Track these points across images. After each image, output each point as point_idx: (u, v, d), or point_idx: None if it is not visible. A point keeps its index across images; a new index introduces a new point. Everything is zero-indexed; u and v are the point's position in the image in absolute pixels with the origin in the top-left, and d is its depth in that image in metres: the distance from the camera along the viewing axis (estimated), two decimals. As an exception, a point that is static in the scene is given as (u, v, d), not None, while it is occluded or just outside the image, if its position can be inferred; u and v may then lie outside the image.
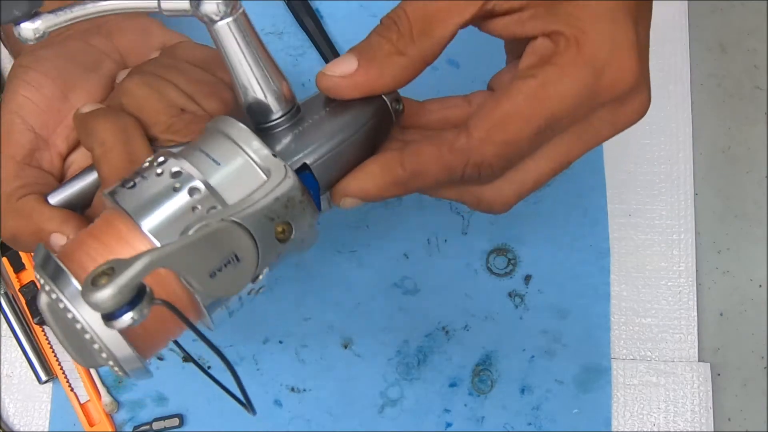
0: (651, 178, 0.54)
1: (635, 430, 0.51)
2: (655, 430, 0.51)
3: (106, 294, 0.25)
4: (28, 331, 0.53)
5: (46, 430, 0.52)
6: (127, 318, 0.26)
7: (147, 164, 0.32)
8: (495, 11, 0.33)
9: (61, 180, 0.41)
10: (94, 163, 0.38)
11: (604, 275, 0.53)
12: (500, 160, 0.33)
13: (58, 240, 0.38)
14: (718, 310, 0.53)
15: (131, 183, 0.31)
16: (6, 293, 0.53)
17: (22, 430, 0.52)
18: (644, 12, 0.34)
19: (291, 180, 0.31)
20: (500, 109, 0.32)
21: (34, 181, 0.40)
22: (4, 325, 0.53)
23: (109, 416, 0.52)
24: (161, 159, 0.32)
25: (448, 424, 0.52)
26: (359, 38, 0.55)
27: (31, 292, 0.52)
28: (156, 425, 0.51)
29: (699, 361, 0.52)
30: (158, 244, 0.30)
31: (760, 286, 0.53)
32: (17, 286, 0.52)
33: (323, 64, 0.55)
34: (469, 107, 0.37)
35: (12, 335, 0.52)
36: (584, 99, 0.32)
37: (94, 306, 0.25)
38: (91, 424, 0.52)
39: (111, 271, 0.25)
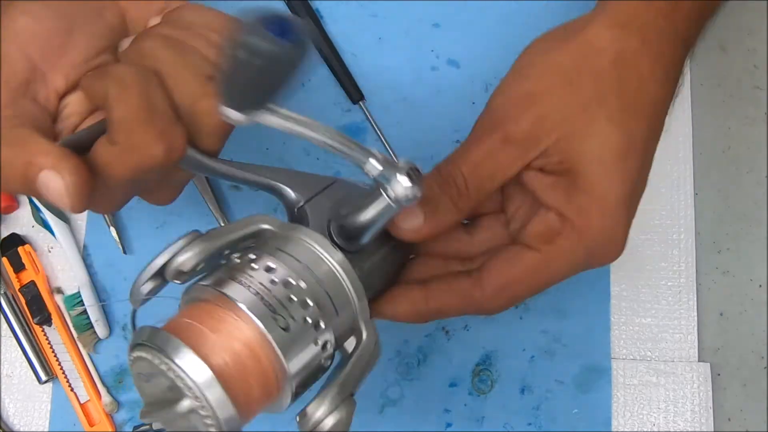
0: (651, 179, 0.53)
1: (635, 430, 0.51)
2: (655, 430, 0.51)
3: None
4: (28, 331, 0.53)
5: (46, 430, 0.52)
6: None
7: (286, 300, 0.33)
8: (530, 166, 0.39)
9: (54, 122, 0.38)
10: (103, 109, 0.36)
11: (604, 275, 0.53)
12: (505, 308, 0.40)
13: (49, 180, 0.34)
14: (718, 310, 0.53)
15: (285, 324, 0.33)
16: (6, 293, 0.53)
17: (22, 430, 0.52)
18: (637, 199, 0.40)
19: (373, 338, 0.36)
20: (508, 274, 0.39)
21: (29, 114, 0.37)
22: (4, 325, 0.53)
23: (109, 416, 0.52)
24: (302, 300, 0.34)
25: (448, 424, 0.52)
26: (359, 38, 0.55)
27: (31, 292, 0.52)
28: (156, 425, 0.51)
29: (699, 361, 0.52)
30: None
31: (760, 286, 0.53)
32: (17, 286, 0.52)
33: (323, 63, 0.55)
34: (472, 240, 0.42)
35: (12, 335, 0.52)
36: (576, 270, 0.40)
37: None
38: (91, 424, 0.52)
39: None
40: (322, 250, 0.35)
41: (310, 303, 0.34)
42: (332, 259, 0.35)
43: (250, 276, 0.33)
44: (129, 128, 0.35)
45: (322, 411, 0.34)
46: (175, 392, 0.31)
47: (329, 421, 0.34)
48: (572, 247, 0.38)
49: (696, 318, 0.52)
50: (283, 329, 0.32)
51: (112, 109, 0.35)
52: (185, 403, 0.31)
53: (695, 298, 0.52)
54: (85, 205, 0.35)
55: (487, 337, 0.52)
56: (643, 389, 0.52)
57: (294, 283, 0.34)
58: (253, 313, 0.32)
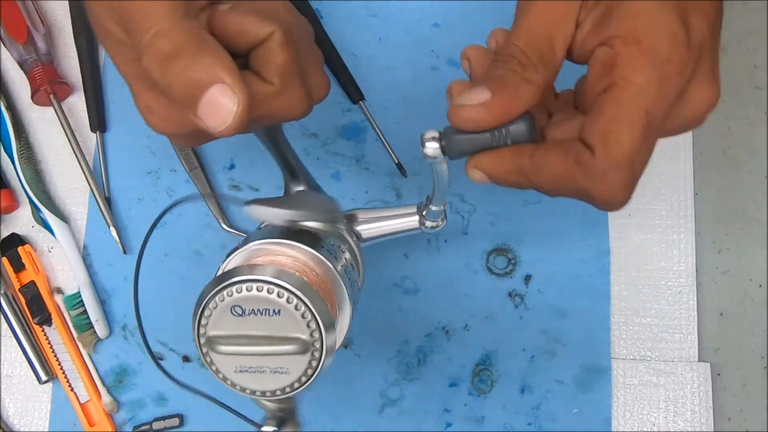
0: (651, 178, 0.54)
1: (635, 430, 0.51)
2: (655, 430, 0.51)
3: None
4: (28, 331, 0.53)
5: (46, 430, 0.52)
6: None
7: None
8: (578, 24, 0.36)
9: None
10: (253, 44, 0.36)
11: (604, 275, 0.53)
12: (626, 182, 0.35)
13: (221, 96, 0.32)
14: (718, 310, 0.53)
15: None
16: (6, 293, 0.53)
17: (22, 430, 0.52)
18: (700, 6, 0.35)
19: None
20: (606, 118, 0.34)
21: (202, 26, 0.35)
22: (4, 325, 0.53)
23: (109, 416, 0.52)
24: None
25: (448, 424, 0.52)
26: (359, 38, 0.55)
27: (31, 292, 0.52)
28: (156, 425, 0.51)
29: (699, 361, 0.52)
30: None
31: (760, 286, 0.53)
32: (17, 286, 0.52)
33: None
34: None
35: (12, 335, 0.52)
36: (662, 85, 0.34)
37: None
38: (91, 424, 0.52)
39: None
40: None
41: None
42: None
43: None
44: (289, 75, 0.36)
45: None
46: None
47: None
48: (636, 54, 0.34)
49: (696, 318, 0.52)
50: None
51: (277, 53, 0.35)
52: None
53: (695, 298, 0.52)
54: (238, 132, 0.34)
55: (487, 337, 0.52)
56: (643, 389, 0.52)
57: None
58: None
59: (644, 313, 0.52)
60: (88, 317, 0.52)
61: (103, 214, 0.53)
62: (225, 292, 0.35)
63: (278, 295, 0.35)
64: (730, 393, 0.52)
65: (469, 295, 0.53)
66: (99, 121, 0.54)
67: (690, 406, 0.51)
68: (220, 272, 0.39)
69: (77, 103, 0.55)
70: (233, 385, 0.36)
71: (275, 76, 0.36)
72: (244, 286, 0.35)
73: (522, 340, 0.52)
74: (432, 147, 0.36)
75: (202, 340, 0.35)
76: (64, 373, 0.52)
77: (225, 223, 0.53)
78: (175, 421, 0.51)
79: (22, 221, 0.54)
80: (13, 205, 0.54)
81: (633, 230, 0.53)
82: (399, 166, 0.54)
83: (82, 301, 0.52)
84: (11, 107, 0.55)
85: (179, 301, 0.52)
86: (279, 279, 0.35)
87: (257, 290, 0.35)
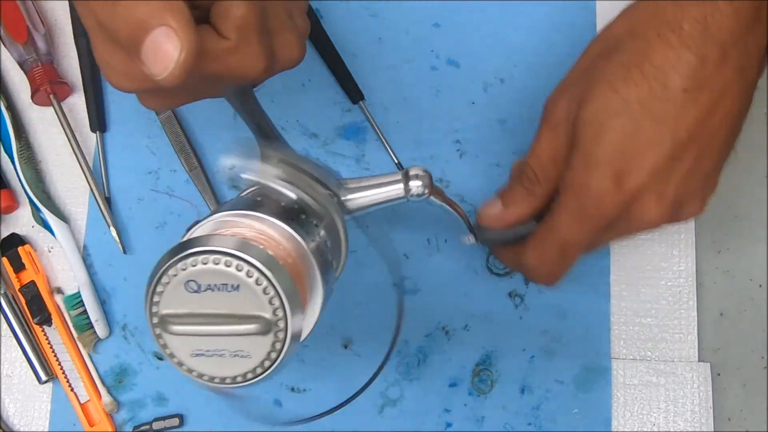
0: (651, 178, 0.54)
1: (635, 430, 0.51)
2: (655, 430, 0.51)
3: None
4: (28, 331, 0.53)
5: (46, 430, 0.52)
6: None
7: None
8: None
9: None
10: None
11: (604, 275, 0.53)
12: (553, 273, 0.46)
13: (164, 40, 0.31)
14: (718, 310, 0.53)
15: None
16: (6, 293, 0.53)
17: (22, 430, 0.52)
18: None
19: None
20: (533, 244, 0.46)
21: None
22: (4, 325, 0.53)
23: (109, 416, 0.52)
24: None
25: (448, 424, 0.52)
26: (359, 38, 0.55)
27: (31, 292, 0.52)
28: (156, 425, 0.51)
29: (699, 361, 0.52)
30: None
31: (760, 286, 0.53)
32: (17, 286, 0.52)
33: (323, 63, 0.55)
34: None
35: (12, 335, 0.52)
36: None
37: None
38: (91, 424, 0.52)
39: None
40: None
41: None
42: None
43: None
44: (247, 32, 0.34)
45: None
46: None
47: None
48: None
49: (696, 318, 0.52)
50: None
51: (237, 6, 0.34)
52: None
53: (695, 298, 0.52)
54: (181, 81, 0.32)
55: (487, 337, 0.52)
56: (643, 389, 0.52)
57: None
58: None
59: (644, 313, 0.52)
60: (88, 317, 0.52)
61: (103, 214, 0.53)
62: (179, 266, 0.31)
63: (237, 269, 0.31)
64: (730, 393, 0.52)
65: (469, 295, 0.53)
66: (99, 121, 0.54)
67: (690, 406, 0.51)
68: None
69: (77, 103, 0.55)
70: (189, 371, 0.33)
71: (232, 31, 0.34)
72: (199, 258, 0.31)
73: (522, 340, 0.52)
74: (469, 239, 0.47)
75: (155, 320, 0.32)
76: (64, 373, 0.52)
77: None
78: (175, 421, 0.51)
79: (22, 221, 0.54)
80: (13, 205, 0.54)
81: (633, 230, 0.53)
82: (399, 166, 0.54)
83: (82, 301, 0.52)
84: (11, 107, 0.55)
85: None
86: (239, 251, 0.31)
87: (214, 263, 0.31)
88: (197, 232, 0.35)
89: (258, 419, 0.39)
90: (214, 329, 0.32)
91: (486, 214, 0.46)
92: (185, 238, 0.35)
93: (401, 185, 0.42)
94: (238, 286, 0.32)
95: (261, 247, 0.33)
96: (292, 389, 0.52)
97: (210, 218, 0.35)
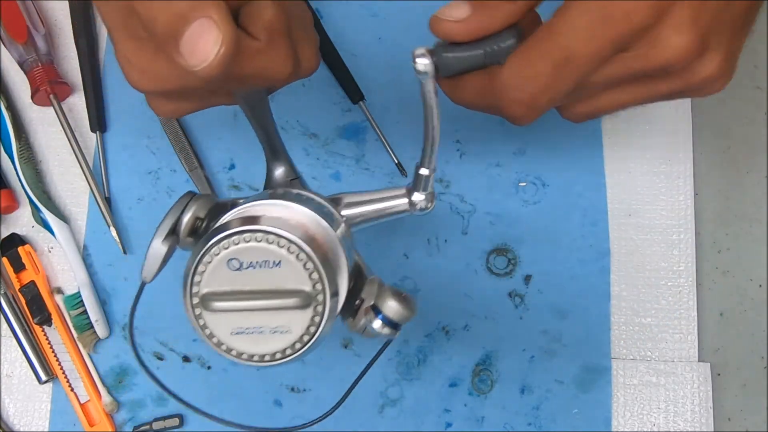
0: (651, 178, 0.54)
1: (635, 430, 0.51)
2: (655, 430, 0.51)
3: None
4: (28, 331, 0.53)
5: (46, 430, 0.52)
6: None
7: None
8: None
9: None
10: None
11: (604, 275, 0.53)
12: (528, 104, 0.36)
13: (204, 31, 0.31)
14: (718, 310, 0.53)
15: None
16: (6, 293, 0.53)
17: (22, 430, 0.52)
18: None
19: None
20: (521, 51, 0.35)
21: None
22: (4, 325, 0.53)
23: (109, 416, 0.52)
24: None
25: (448, 424, 0.52)
26: (359, 38, 0.55)
27: (31, 292, 0.52)
28: (156, 425, 0.51)
29: (699, 361, 0.52)
30: None
31: (760, 286, 0.53)
32: (17, 286, 0.52)
33: (323, 63, 0.55)
34: None
35: (12, 335, 0.52)
36: (597, 30, 0.33)
37: None
38: (91, 424, 0.52)
39: None
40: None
41: None
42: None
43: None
44: (276, 33, 0.35)
45: None
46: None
47: None
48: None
49: (696, 318, 0.52)
50: None
51: (266, 8, 0.34)
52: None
53: (695, 298, 0.52)
54: (218, 75, 0.32)
55: (487, 337, 0.52)
56: (643, 389, 0.52)
57: None
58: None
59: (644, 313, 0.52)
60: (88, 317, 0.52)
61: (103, 214, 0.53)
62: (222, 245, 0.33)
63: (279, 245, 0.33)
64: (730, 393, 0.52)
65: (469, 295, 0.53)
66: (99, 121, 0.54)
67: (690, 406, 0.51)
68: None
69: (77, 103, 0.55)
70: (228, 350, 0.34)
71: (262, 32, 0.35)
72: (242, 237, 0.33)
73: (522, 340, 0.52)
74: (423, 63, 0.35)
75: (195, 300, 0.33)
76: (64, 373, 0.52)
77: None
78: (175, 421, 0.51)
79: (22, 221, 0.54)
80: (13, 205, 0.54)
81: (633, 230, 0.53)
82: (399, 166, 0.54)
83: (82, 301, 0.52)
84: (11, 107, 0.55)
85: (179, 301, 0.52)
86: (280, 228, 0.33)
87: (256, 240, 0.33)
88: (227, 218, 0.36)
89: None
90: (256, 304, 0.33)
91: (446, 18, 0.36)
92: (222, 222, 0.36)
93: (405, 200, 0.41)
94: (279, 262, 0.33)
95: (296, 225, 0.34)
96: (292, 389, 0.52)
97: (236, 210, 0.36)
